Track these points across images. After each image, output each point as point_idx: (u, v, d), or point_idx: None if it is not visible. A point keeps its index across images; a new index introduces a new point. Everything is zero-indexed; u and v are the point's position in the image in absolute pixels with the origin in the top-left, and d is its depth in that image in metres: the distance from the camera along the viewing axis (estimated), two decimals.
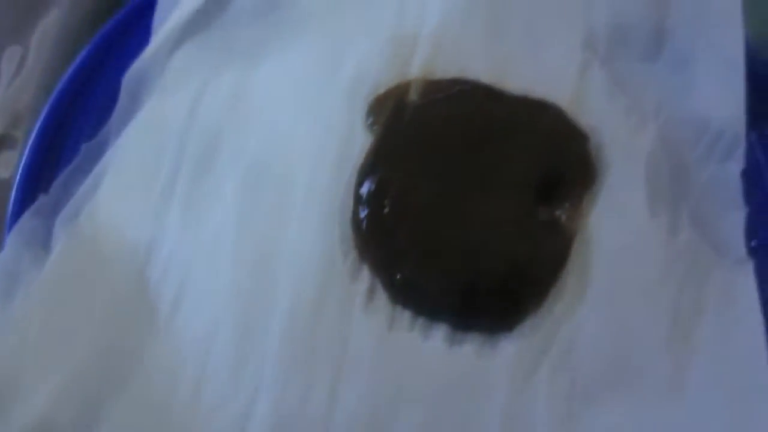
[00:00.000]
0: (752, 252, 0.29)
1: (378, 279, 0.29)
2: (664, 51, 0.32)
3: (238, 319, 0.29)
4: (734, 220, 0.29)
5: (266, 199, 0.31)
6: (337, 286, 0.29)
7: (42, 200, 0.31)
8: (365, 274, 0.29)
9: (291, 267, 0.29)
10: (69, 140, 0.32)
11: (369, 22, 0.34)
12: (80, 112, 0.33)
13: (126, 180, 0.31)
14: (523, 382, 0.28)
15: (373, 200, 0.30)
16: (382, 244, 0.30)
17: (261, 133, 0.32)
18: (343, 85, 0.32)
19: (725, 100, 0.30)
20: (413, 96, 0.32)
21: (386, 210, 0.30)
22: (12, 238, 0.30)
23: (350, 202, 0.30)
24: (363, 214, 0.30)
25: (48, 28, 0.37)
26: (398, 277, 0.29)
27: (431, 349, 0.28)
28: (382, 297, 0.29)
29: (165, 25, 0.34)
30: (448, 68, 0.32)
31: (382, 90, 0.32)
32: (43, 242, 0.30)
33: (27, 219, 0.30)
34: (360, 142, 0.31)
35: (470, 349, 0.28)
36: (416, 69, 0.32)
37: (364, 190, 0.30)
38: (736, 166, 0.30)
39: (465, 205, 0.30)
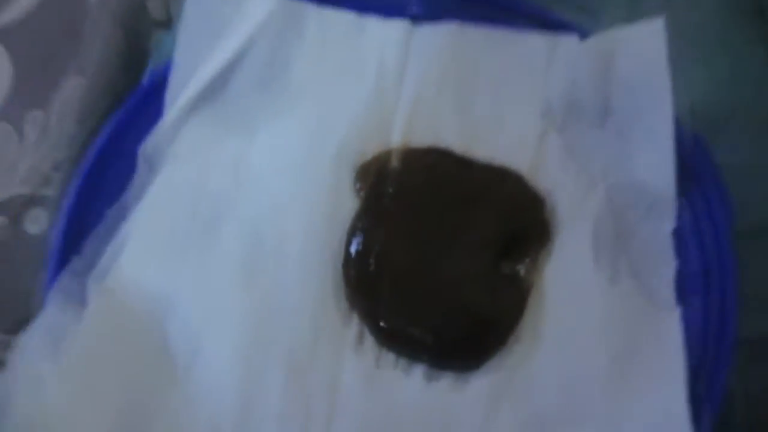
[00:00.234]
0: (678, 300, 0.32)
1: (365, 325, 0.33)
2: (608, 123, 0.35)
3: (244, 363, 0.32)
4: (665, 273, 0.32)
5: (266, 259, 0.34)
6: (330, 330, 0.33)
7: (75, 261, 0.34)
8: (355, 321, 0.33)
9: (290, 316, 0.33)
10: (97, 204, 0.35)
11: (353, 95, 0.36)
12: (105, 179, 0.36)
13: (146, 244, 0.34)
14: (491, 412, 0.31)
15: (360, 258, 0.33)
16: (368, 297, 0.33)
17: (260, 198, 0.35)
18: (331, 152, 0.35)
19: (659, 168, 0.33)
20: (394, 163, 0.35)
21: (371, 268, 0.33)
22: (52, 297, 0.33)
23: (341, 260, 0.34)
24: (352, 270, 0.33)
25: (69, 94, 0.38)
26: (382, 324, 0.33)
27: (412, 385, 0.32)
28: (369, 340, 0.33)
29: (176, 101, 0.36)
30: (424, 136, 0.36)
31: (367, 157, 0.36)
32: (80, 299, 0.33)
33: (64, 278, 0.33)
34: (348, 205, 0.35)
35: (445, 384, 0.32)
36: (396, 137, 0.36)
37: (353, 249, 0.34)
38: (668, 225, 0.33)
39: (438, 262, 0.33)
